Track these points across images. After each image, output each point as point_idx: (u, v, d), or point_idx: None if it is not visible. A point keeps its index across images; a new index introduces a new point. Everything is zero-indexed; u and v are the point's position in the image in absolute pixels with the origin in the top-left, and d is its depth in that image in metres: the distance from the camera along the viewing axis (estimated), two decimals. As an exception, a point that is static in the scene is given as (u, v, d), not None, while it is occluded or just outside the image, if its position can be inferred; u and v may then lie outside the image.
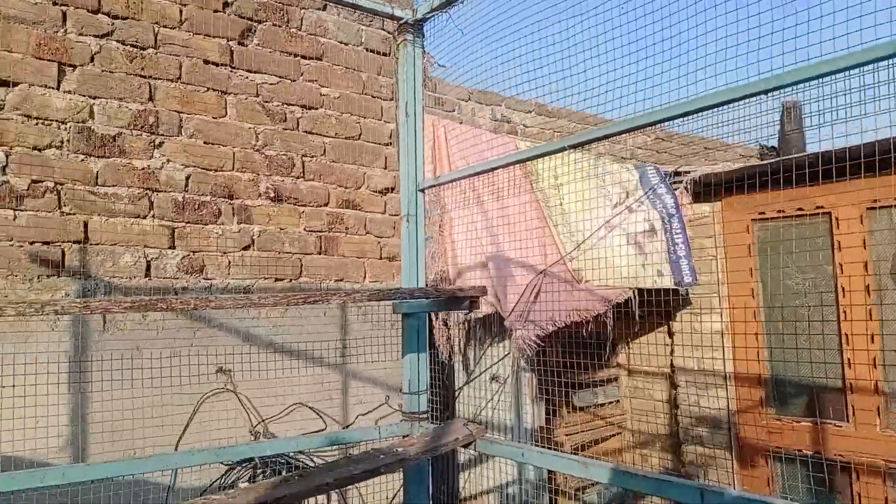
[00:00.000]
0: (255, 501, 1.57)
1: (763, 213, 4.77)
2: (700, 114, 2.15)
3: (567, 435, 5.25)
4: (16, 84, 2.91)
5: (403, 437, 2.48)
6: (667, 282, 4.66)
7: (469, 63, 2.54)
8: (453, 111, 5.14)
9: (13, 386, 2.74)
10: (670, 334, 5.41)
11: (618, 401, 5.78)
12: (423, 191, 2.64)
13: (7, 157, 2.88)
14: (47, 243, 2.95)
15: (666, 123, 2.35)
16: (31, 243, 2.92)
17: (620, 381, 5.79)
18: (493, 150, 4.27)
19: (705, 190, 4.88)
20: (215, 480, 3.24)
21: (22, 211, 2.90)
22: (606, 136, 1.93)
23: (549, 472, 4.81)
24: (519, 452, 2.24)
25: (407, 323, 2.57)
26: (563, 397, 5.20)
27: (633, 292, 4.41)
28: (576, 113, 6.08)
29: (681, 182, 4.93)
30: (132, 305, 1.64)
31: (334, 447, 3.40)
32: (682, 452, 5.33)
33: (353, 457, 1.99)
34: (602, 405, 5.62)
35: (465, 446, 2.15)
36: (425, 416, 2.54)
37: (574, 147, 2.08)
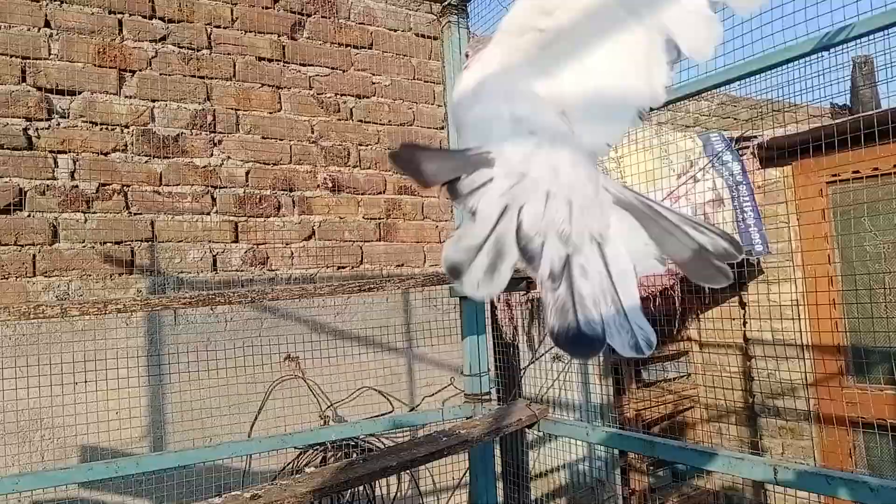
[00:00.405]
0: (321, 485, 1.61)
1: (837, 175, 4.55)
2: (766, 73, 2.06)
3: (636, 411, 5.18)
4: (79, 92, 3.04)
5: (466, 418, 2.50)
6: (736, 252, 4.51)
7: None
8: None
9: (94, 381, 2.89)
10: (742, 305, 5.25)
11: (688, 375, 5.66)
12: None
13: (75, 162, 3.02)
14: (118, 243, 3.09)
15: (729, 86, 2.26)
16: (103, 244, 3.05)
17: (691, 354, 5.67)
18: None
19: (774, 154, 4.69)
20: (288, 463, 3.35)
21: (92, 214, 3.04)
22: (673, 101, 1.87)
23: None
24: (583, 431, 2.22)
25: (465, 305, 2.57)
26: (631, 373, 5.13)
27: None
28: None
29: (748, 147, 4.75)
30: (191, 301, 1.70)
31: (403, 429, 3.46)
32: (759, 426, 5.20)
33: (416, 439, 2.02)
34: (672, 380, 5.53)
35: (529, 427, 2.15)
36: (487, 397, 2.55)
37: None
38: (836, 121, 4.47)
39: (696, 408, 5.66)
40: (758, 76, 2.13)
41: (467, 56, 1.19)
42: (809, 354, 4.84)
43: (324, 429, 2.81)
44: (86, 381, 2.90)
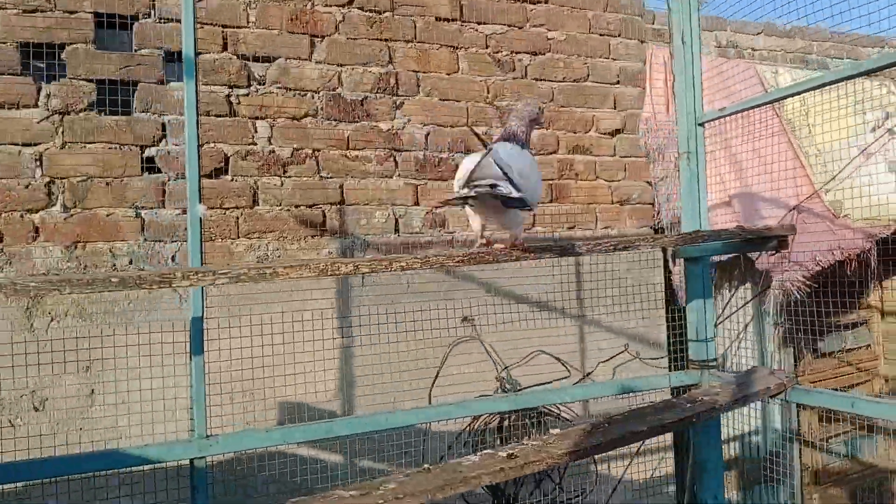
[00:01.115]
0: (575, 447, 1.59)
1: None
2: None
3: (812, 382, 4.89)
4: (274, 59, 3.12)
5: (691, 386, 2.41)
6: (940, 212, 4.10)
7: None
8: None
9: (282, 343, 3.01)
10: (935, 271, 4.80)
11: (868, 345, 5.27)
12: (702, 125, 2.48)
13: (271, 128, 3.11)
14: (310, 206, 3.18)
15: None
16: (297, 206, 3.16)
17: (871, 323, 5.27)
18: (731, 79, 3.96)
19: None
20: (466, 426, 3.39)
21: (287, 177, 3.14)
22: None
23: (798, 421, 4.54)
24: (848, 402, 2.06)
25: (690, 268, 2.47)
26: (808, 344, 4.84)
27: (901, 228, 3.93)
28: (817, 31, 5.46)
29: (953, 97, 4.29)
30: (463, 259, 1.71)
31: (579, 400, 3.42)
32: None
33: (657, 405, 1.96)
34: (851, 350, 5.16)
35: (775, 395, 2.03)
36: (714, 363, 2.45)
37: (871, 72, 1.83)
38: None
39: (873, 381, 5.28)
40: None
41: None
42: None
43: (522, 395, 2.80)
44: (282, 343, 3.02)
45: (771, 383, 2.01)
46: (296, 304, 3.01)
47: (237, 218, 3.05)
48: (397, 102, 3.36)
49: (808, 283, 3.58)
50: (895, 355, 5.19)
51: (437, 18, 3.43)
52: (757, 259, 3.77)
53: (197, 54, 2.15)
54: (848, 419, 4.54)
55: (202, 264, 2.07)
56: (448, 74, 3.47)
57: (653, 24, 4.71)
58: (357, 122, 3.27)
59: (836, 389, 5.03)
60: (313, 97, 3.19)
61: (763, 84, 4.19)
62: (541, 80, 3.69)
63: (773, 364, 4.34)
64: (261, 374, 2.94)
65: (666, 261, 4.00)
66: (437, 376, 3.35)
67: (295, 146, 3.15)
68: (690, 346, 2.52)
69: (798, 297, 3.62)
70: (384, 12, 3.32)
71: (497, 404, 2.58)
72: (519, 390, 3.42)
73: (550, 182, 3.71)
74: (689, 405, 1.85)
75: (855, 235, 3.75)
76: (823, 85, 2.12)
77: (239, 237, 3.06)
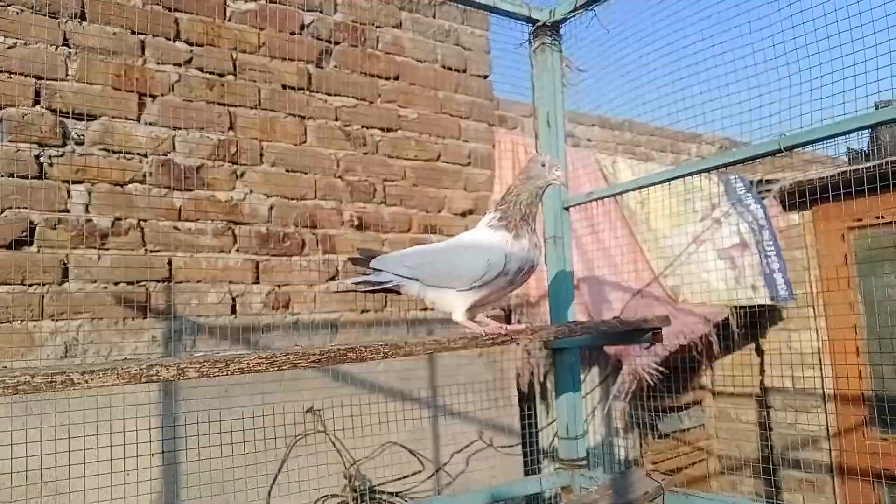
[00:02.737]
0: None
1: (860, 220, 4.48)
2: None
3: (654, 463, 4.96)
4: (97, 117, 2.76)
5: (563, 487, 2.24)
6: (762, 298, 4.38)
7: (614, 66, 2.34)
8: (516, 129, 4.94)
9: (108, 439, 2.55)
10: (759, 353, 5.11)
11: (702, 425, 5.47)
12: (567, 209, 2.41)
13: (90, 194, 2.73)
14: (131, 283, 2.79)
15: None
16: (116, 284, 2.75)
17: (705, 403, 5.49)
18: (574, 165, 4.06)
19: (794, 198, 4.61)
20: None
21: (106, 250, 2.74)
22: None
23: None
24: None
25: (560, 359, 2.33)
26: (647, 424, 4.92)
27: (731, 310, 4.15)
28: (643, 126, 5.85)
29: (769, 191, 4.67)
30: (319, 359, 1.41)
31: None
32: (778, 478, 5.01)
33: None
34: (687, 430, 5.33)
35: (654, 500, 1.91)
36: (584, 462, 2.30)
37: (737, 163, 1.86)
38: (860, 165, 4.42)
39: (708, 460, 5.46)
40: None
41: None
42: (831, 404, 4.70)
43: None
44: (98, 439, 2.56)
45: (650, 487, 1.91)
46: (102, 400, 2.55)
47: (42, 296, 2.59)
48: (238, 172, 3.08)
49: (659, 368, 3.62)
50: (727, 434, 5.41)
51: (283, 86, 3.23)
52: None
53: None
54: None
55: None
56: (295, 145, 3.26)
57: (497, 109, 4.81)
58: (191, 190, 2.95)
59: (676, 470, 5.14)
60: (141, 161, 2.85)
61: (603, 172, 4.35)
62: (393, 156, 3.57)
63: (620, 445, 4.33)
64: (51, 492, 2.44)
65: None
66: (276, 477, 2.97)
67: (117, 215, 2.77)
68: (560, 444, 2.38)
69: (652, 383, 3.65)
70: (226, 75, 3.08)
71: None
72: (371, 488, 3.12)
73: (401, 262, 3.55)
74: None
75: (696, 319, 3.88)
76: (698, 171, 2.15)
77: (43, 319, 2.59)
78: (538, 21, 2.33)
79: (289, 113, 3.25)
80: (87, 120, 2.73)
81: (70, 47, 2.72)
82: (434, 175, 3.71)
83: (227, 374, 1.30)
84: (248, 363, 1.32)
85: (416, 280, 1.76)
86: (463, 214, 3.80)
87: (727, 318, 4.09)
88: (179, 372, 1.25)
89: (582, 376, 4.23)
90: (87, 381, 1.17)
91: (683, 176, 2.25)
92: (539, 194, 1.78)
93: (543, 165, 1.77)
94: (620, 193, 2.75)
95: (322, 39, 3.38)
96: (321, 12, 3.40)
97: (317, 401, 3.12)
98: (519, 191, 1.77)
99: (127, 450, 2.58)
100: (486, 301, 1.80)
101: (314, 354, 1.40)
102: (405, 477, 3.30)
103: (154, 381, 1.24)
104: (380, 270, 1.80)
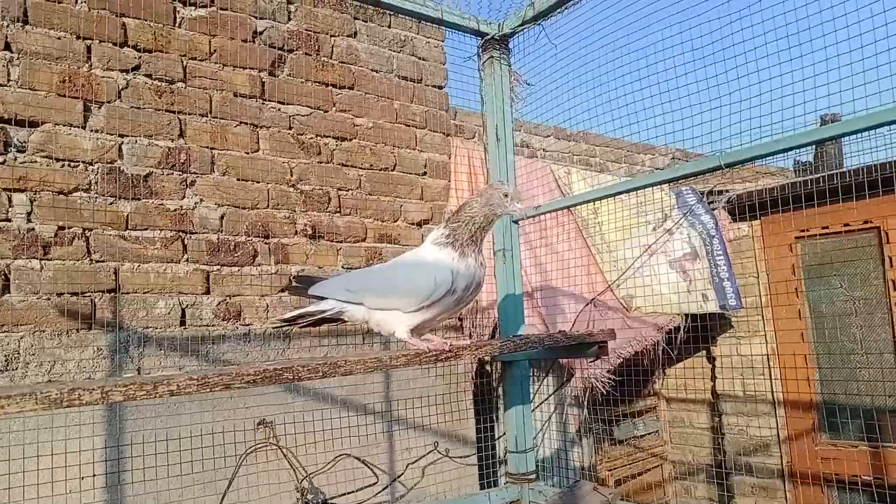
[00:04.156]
0: None
1: (806, 230, 4.60)
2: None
3: (609, 470, 5.00)
4: (40, 124, 2.69)
5: (511, 502, 2.23)
6: (712, 306, 4.46)
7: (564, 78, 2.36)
8: (473, 138, 4.97)
9: (50, 454, 2.48)
10: (710, 360, 5.20)
11: (657, 431, 5.54)
12: (517, 222, 2.41)
13: (32, 202, 2.65)
14: (76, 294, 2.71)
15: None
16: (59, 295, 2.67)
17: (658, 410, 5.57)
18: (529, 176, 4.09)
19: (743, 208, 4.71)
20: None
21: (49, 260, 2.66)
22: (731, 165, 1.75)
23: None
24: None
25: (509, 373, 2.33)
26: (603, 431, 4.97)
27: (682, 318, 4.21)
28: (598, 137, 5.94)
29: (718, 202, 4.76)
30: (255, 379, 1.37)
31: None
32: (730, 484, 5.10)
33: None
34: (642, 436, 5.39)
35: None
36: (533, 476, 2.29)
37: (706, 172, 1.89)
38: (803, 177, 4.54)
39: (663, 465, 5.53)
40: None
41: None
42: (781, 410, 4.80)
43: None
44: (38, 461, 2.49)
45: (597, 501, 1.91)
46: (33, 422, 2.47)
47: (-21, 308, 2.51)
48: (188, 180, 3.03)
49: (610, 377, 3.65)
50: (680, 440, 5.49)
51: (235, 94, 3.19)
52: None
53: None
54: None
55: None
56: (247, 154, 3.22)
57: (454, 119, 4.82)
58: (139, 199, 2.89)
59: (633, 476, 5.20)
60: (87, 169, 2.78)
61: (557, 182, 4.38)
62: (348, 165, 3.55)
63: (575, 453, 4.36)
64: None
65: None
66: (226, 493, 2.91)
67: (60, 224, 2.69)
68: (510, 457, 2.37)
69: (603, 392, 3.68)
70: (176, 82, 3.03)
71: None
72: (324, 501, 3.08)
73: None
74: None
75: (646, 326, 3.93)
76: (644, 186, 2.17)
77: (-20, 331, 2.50)
78: (486, 34, 2.34)
79: (241, 121, 3.20)
80: (30, 127, 2.65)
81: (12, 52, 2.64)
82: (389, 184, 3.70)
83: (154, 397, 1.26)
84: (177, 385, 1.28)
85: (361, 304, 1.74)
86: (419, 224, 3.80)
87: (678, 327, 4.15)
88: (103, 395, 1.21)
89: (537, 384, 4.25)
90: (2, 407, 1.12)
91: (630, 191, 2.27)
92: (493, 221, 1.77)
93: (506, 196, 1.75)
94: (569, 207, 2.77)
95: (275, 47, 3.35)
96: (274, 20, 3.37)
97: (268, 412, 3.08)
98: (474, 213, 1.75)
99: (69, 471, 2.51)
100: (435, 321, 1.79)
101: (248, 375, 1.37)
102: (359, 490, 3.26)
103: (75, 406, 1.19)
104: (320, 298, 1.78)
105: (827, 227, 4.52)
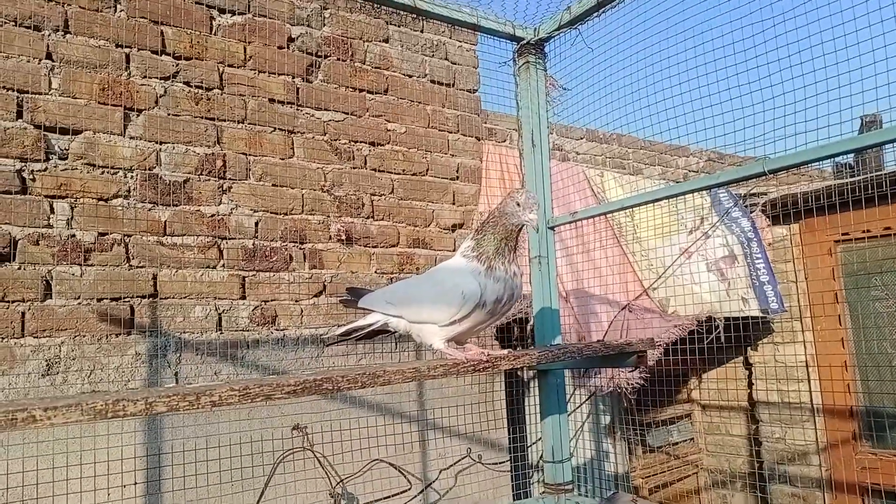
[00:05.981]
0: None
1: (847, 233, 4.49)
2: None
3: (644, 478, 4.94)
4: (80, 131, 2.73)
5: None
6: (753, 309, 4.38)
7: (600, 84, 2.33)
8: (504, 141, 4.94)
9: (92, 454, 2.51)
10: (747, 366, 5.11)
11: (692, 438, 5.46)
12: (553, 228, 2.39)
13: (72, 209, 2.69)
14: (116, 299, 2.74)
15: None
16: (99, 300, 2.71)
17: (694, 416, 5.48)
18: (564, 182, 4.05)
19: (780, 213, 4.62)
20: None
21: (89, 266, 2.70)
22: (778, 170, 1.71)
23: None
24: None
25: (545, 382, 2.30)
26: (637, 437, 4.90)
27: (720, 321, 4.14)
28: (632, 138, 5.87)
29: (756, 204, 4.68)
30: (295, 389, 1.37)
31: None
32: (769, 493, 5.00)
33: None
34: (676, 443, 5.31)
35: None
36: (570, 486, 2.26)
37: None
38: (844, 180, 4.44)
39: (698, 473, 5.44)
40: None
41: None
42: (821, 418, 4.70)
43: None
44: (81, 469, 2.52)
45: None
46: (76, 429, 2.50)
47: (23, 313, 2.55)
48: (224, 186, 3.05)
49: (639, 380, 3.60)
50: (716, 447, 5.40)
51: (270, 100, 3.21)
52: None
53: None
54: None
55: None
56: (282, 160, 3.23)
57: (486, 122, 4.80)
58: (177, 206, 2.92)
59: (667, 484, 5.12)
60: (126, 176, 2.81)
61: (591, 186, 4.34)
62: (380, 170, 3.55)
63: (611, 461, 4.31)
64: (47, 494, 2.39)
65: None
66: (261, 496, 2.93)
67: (100, 230, 2.73)
68: (546, 468, 2.33)
69: (630, 396, 3.64)
70: (212, 89, 3.06)
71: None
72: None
73: (391, 276, 3.52)
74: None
75: (681, 328, 3.88)
76: (683, 193, 2.13)
77: (24, 336, 2.54)
78: (522, 39, 2.32)
79: (276, 127, 3.22)
80: (71, 134, 2.69)
81: (53, 60, 2.69)
82: (422, 189, 3.69)
83: (197, 409, 1.26)
84: (219, 395, 1.28)
85: (401, 317, 1.74)
86: (451, 228, 3.78)
87: (709, 320, 4.09)
88: (147, 406, 1.21)
89: (573, 390, 4.21)
90: (49, 418, 1.12)
91: (673, 196, 2.24)
92: (514, 231, 1.74)
93: (518, 205, 1.71)
94: (604, 214, 2.73)
95: (310, 53, 3.36)
96: (309, 26, 3.38)
97: (303, 417, 3.08)
98: (495, 223, 1.74)
99: (111, 479, 2.54)
100: (472, 332, 1.77)
101: (289, 385, 1.36)
102: (393, 496, 3.26)
103: (120, 418, 1.20)
104: (369, 311, 1.79)
105: (868, 231, 4.41)
